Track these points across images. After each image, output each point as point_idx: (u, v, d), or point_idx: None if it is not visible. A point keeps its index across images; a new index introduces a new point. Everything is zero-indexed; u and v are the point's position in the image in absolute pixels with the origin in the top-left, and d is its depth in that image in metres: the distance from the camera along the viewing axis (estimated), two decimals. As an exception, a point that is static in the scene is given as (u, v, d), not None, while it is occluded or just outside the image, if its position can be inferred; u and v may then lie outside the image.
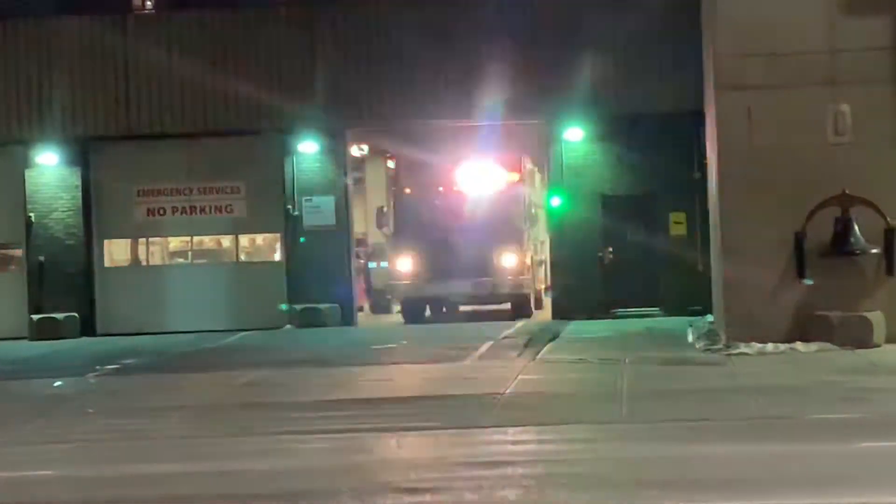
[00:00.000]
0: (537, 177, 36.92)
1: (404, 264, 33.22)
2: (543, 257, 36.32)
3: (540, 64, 30.49)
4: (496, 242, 32.65)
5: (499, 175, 33.71)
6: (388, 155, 38.75)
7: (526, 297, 33.53)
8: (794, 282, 22.28)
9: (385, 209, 35.17)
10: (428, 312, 34.43)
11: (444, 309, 34.34)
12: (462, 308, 34.56)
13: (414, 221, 33.23)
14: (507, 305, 33.98)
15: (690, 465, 12.43)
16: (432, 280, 32.51)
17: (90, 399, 19.57)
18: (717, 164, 23.36)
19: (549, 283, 35.55)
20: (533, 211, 35.44)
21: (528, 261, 33.50)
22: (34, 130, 32.06)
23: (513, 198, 33.55)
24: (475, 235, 32.37)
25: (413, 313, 33.62)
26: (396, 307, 35.33)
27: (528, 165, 35.27)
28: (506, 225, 32.95)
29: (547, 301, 34.20)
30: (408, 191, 34.00)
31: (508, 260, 32.79)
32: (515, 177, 33.94)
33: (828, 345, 21.59)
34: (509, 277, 32.70)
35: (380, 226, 35.26)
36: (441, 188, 33.66)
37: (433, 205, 33.37)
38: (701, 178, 29.06)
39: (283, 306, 29.73)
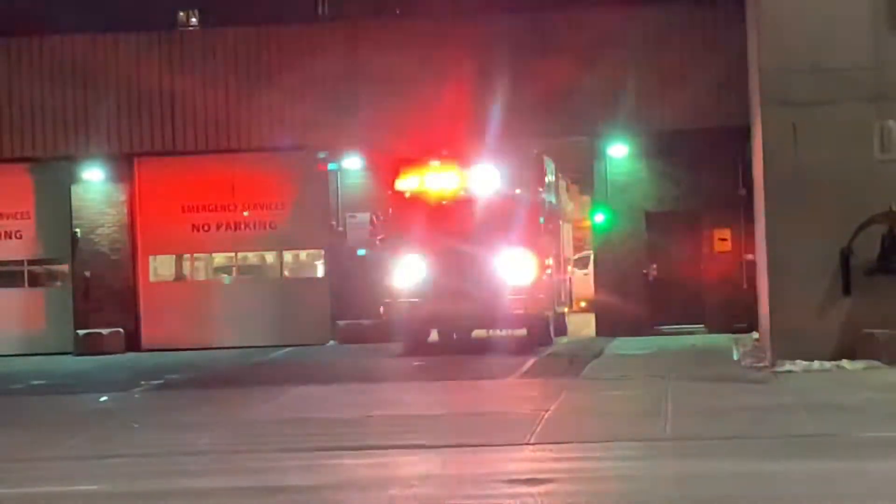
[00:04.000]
0: (562, 184, 33.41)
1: (399, 281, 28.20)
2: (567, 276, 33.24)
3: (584, 80, 30.38)
4: (508, 256, 27.84)
5: (513, 180, 28.70)
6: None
7: (544, 322, 28.70)
8: (841, 299, 22.13)
9: (379, 217, 29.98)
10: (435, 337, 29.94)
11: (455, 336, 29.87)
12: (475, 334, 30.13)
13: (411, 231, 28.28)
14: (523, 331, 29.05)
15: (736, 483, 12.36)
16: (431, 300, 27.62)
17: (135, 414, 19.66)
18: (763, 181, 23.25)
19: (573, 304, 33.52)
20: (555, 223, 31.32)
21: (547, 279, 28.83)
22: (80, 146, 32.20)
23: (529, 206, 28.53)
24: (483, 248, 27.66)
25: (412, 339, 28.73)
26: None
27: (550, 171, 30.95)
28: (520, 237, 27.98)
29: (572, 326, 32.59)
30: (405, 196, 28.84)
31: (522, 277, 27.89)
32: (532, 181, 29.07)
33: (875, 362, 21.43)
34: (523, 297, 27.68)
35: (373, 236, 30.13)
36: (444, 193, 28.60)
37: (434, 212, 28.34)
38: (746, 195, 28.94)
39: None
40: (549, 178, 30.70)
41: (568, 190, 35.18)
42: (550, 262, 29.53)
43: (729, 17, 28.21)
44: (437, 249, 27.85)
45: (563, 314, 31.77)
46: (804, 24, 22.41)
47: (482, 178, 28.58)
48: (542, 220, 28.91)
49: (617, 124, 30.79)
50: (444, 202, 28.48)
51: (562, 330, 31.13)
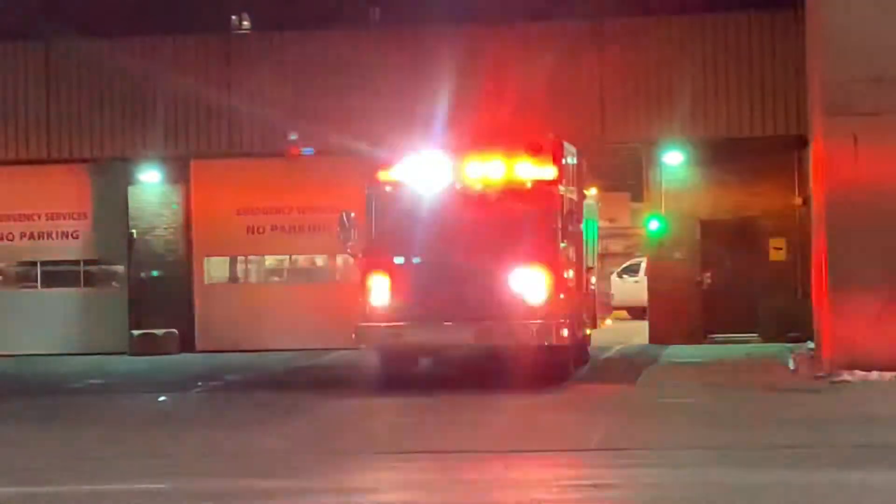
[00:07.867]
0: (586, 174, 26.81)
1: (378, 296, 22.47)
2: (591, 289, 26.66)
3: (639, 87, 30.37)
4: (515, 268, 22.17)
5: (523, 169, 22.65)
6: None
7: (562, 350, 22.64)
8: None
9: (352, 216, 23.17)
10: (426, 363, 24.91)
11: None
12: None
13: (393, 234, 22.68)
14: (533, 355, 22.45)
15: (799, 493, 12.37)
16: (417, 321, 22.00)
17: (195, 414, 19.82)
18: (823, 191, 23.17)
19: (596, 323, 27.31)
20: (576, 223, 24.15)
21: (564, 295, 22.66)
22: (137, 148, 32.45)
23: (544, 203, 22.47)
24: (483, 259, 22.00)
25: (395, 366, 23.30)
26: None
27: (571, 158, 24.45)
28: (531, 242, 22.22)
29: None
30: (387, 189, 22.93)
31: (534, 293, 22.08)
32: (549, 173, 22.69)
33: (934, 374, 21.34)
34: (536, 321, 21.84)
35: (344, 240, 23.16)
36: (435, 187, 22.67)
37: (423, 210, 22.58)
38: (802, 204, 28.85)
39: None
40: (570, 168, 24.40)
41: (595, 184, 29.43)
42: (570, 273, 23.51)
43: (787, 25, 28.16)
44: (424, 259, 22.43)
45: (585, 338, 25.85)
46: (866, 34, 22.28)
47: (483, 168, 22.74)
48: (559, 222, 22.75)
49: (672, 132, 30.75)
50: (434, 198, 22.64)
51: (583, 358, 25.84)
